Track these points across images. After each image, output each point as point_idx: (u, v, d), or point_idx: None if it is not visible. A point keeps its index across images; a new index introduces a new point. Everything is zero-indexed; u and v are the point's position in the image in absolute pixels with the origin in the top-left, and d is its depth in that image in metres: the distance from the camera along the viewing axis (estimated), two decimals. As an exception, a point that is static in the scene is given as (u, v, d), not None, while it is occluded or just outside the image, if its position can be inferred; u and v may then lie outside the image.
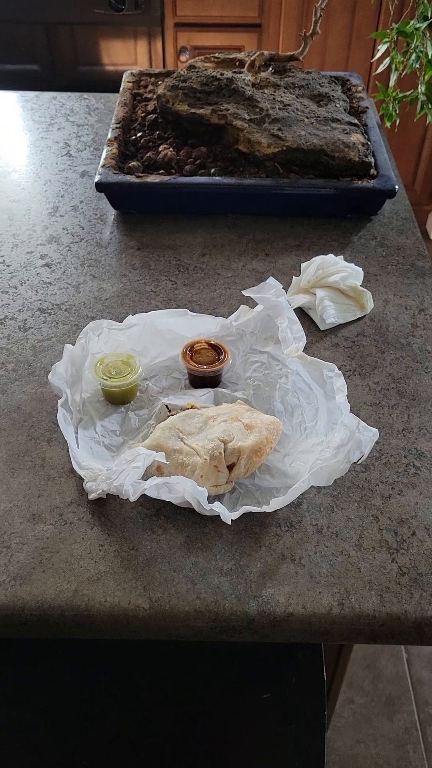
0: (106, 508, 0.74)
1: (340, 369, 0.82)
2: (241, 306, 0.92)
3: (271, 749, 0.95)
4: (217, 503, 0.69)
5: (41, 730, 0.88)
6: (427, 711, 1.71)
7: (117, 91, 1.35)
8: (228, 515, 0.68)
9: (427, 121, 1.56)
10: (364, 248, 1.10)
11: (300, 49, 1.24)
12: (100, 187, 1.11)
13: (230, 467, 0.73)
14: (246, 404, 0.81)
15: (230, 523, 0.68)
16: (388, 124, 1.37)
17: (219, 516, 0.71)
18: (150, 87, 1.36)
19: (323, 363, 0.80)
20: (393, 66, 1.52)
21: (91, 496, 0.74)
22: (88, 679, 0.88)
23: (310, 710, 0.97)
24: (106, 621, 0.66)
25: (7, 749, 0.86)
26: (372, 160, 1.13)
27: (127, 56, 2.54)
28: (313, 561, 0.70)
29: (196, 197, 1.13)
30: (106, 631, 0.67)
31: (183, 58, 2.50)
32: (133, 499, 0.68)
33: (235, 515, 0.68)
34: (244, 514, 0.72)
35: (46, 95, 1.49)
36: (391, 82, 1.57)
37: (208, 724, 0.94)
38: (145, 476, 0.73)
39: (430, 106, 1.51)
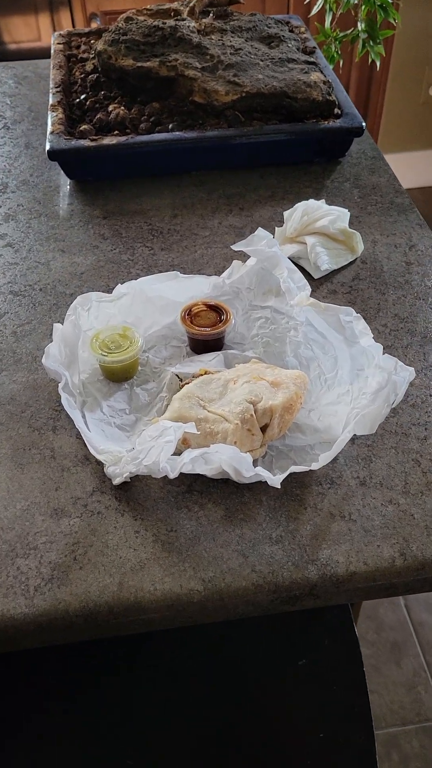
0: (132, 492, 0.68)
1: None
2: (234, 261, 0.86)
3: (318, 715, 0.92)
4: (259, 468, 0.64)
5: (80, 734, 0.83)
6: (432, 651, 1.73)
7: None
8: (275, 479, 0.63)
9: (369, 60, 1.52)
10: (340, 191, 1.06)
11: (241, -9, 1.18)
12: (52, 155, 1.03)
13: (262, 429, 0.68)
14: (259, 361, 0.76)
15: (279, 487, 0.64)
16: (330, 67, 1.32)
17: (255, 484, 0.66)
18: (83, 47, 1.27)
19: (339, 308, 0.76)
20: (327, 6, 1.47)
21: (116, 481, 0.68)
22: (119, 665, 0.84)
23: (348, 669, 0.95)
24: (159, 611, 0.61)
25: (49, 753, 0.80)
26: (335, 98, 1.08)
27: (29, 32, 2.40)
28: (364, 515, 0.66)
29: (158, 156, 1.06)
30: (161, 622, 0.62)
31: (94, 25, 2.38)
32: (172, 476, 0.62)
33: (282, 477, 0.64)
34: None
35: (-32, 68, 1.38)
36: (327, 24, 1.52)
37: (248, 701, 0.90)
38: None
39: (371, 43, 1.47)
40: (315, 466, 0.64)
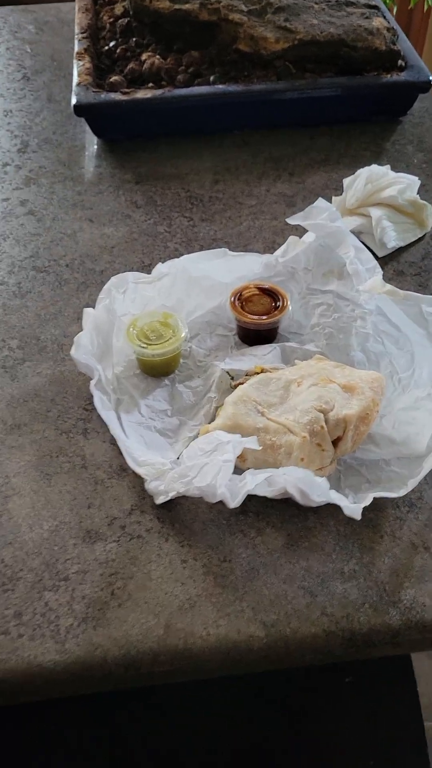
0: (176, 512, 0.59)
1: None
2: (290, 237, 0.75)
3: (366, 739, 0.84)
4: (333, 492, 0.54)
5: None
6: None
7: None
8: (354, 507, 0.53)
9: (425, 7, 1.37)
10: (402, 155, 0.94)
11: None
12: (79, 110, 0.91)
13: (334, 443, 0.57)
14: (325, 358, 0.65)
15: (359, 518, 0.54)
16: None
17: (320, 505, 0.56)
18: (111, -12, 1.13)
19: (421, 297, 0.65)
20: None
21: (159, 500, 0.58)
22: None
23: (399, 683, 0.87)
24: (213, 659, 0.52)
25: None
26: (400, 48, 0.95)
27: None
28: (452, 546, 0.56)
29: (197, 112, 0.94)
30: (214, 671, 0.52)
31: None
32: (233, 505, 0.52)
33: (362, 506, 0.54)
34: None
35: (-18, 11, 1.25)
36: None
37: (290, 726, 0.82)
38: (226, 467, 0.57)
39: (429, -13, 1.32)
40: (402, 492, 0.54)
